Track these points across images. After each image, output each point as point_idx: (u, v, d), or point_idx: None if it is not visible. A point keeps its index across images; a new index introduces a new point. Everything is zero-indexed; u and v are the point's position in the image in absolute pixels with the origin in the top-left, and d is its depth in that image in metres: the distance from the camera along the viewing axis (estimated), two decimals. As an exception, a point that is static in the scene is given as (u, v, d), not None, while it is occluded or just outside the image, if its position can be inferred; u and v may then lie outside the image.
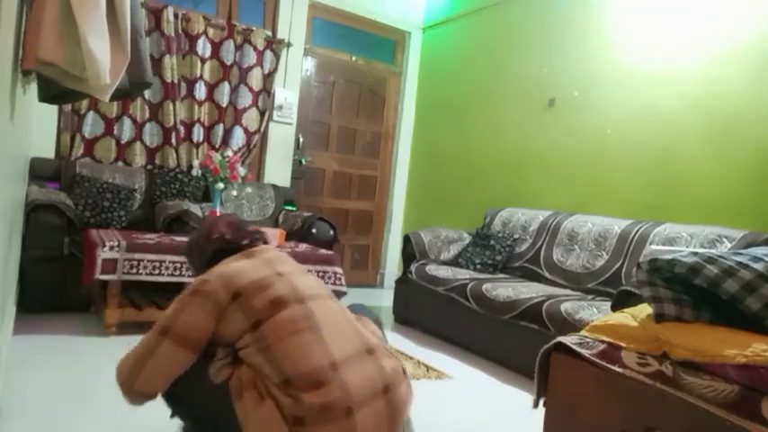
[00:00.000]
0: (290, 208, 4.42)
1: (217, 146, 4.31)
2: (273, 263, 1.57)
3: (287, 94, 4.67)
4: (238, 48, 4.36)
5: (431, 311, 3.54)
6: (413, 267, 3.71)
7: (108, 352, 2.67)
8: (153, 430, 1.93)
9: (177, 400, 1.49)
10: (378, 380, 1.41)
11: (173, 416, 1.57)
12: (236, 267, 1.51)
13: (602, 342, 1.40)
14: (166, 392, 1.46)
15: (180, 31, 4.10)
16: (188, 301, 1.43)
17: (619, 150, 3.50)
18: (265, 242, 1.71)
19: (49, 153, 3.75)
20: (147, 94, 4.02)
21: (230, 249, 1.62)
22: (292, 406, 1.29)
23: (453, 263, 3.78)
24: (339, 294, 3.52)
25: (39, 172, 3.56)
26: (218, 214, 3.34)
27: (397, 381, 1.45)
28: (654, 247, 2.87)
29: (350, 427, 1.31)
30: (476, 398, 2.52)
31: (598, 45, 3.70)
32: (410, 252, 3.86)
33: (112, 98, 1.58)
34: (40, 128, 3.64)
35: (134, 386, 1.42)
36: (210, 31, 4.25)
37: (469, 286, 3.19)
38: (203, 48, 4.21)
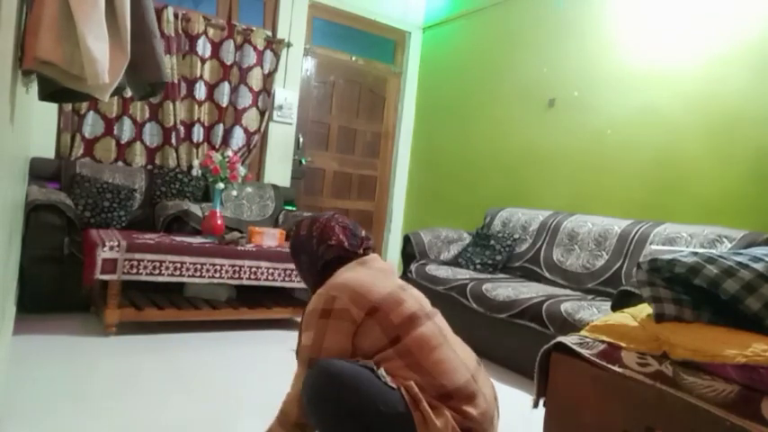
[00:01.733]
0: (290, 208, 4.42)
1: (217, 146, 4.31)
2: (388, 274, 1.56)
3: (287, 94, 4.67)
4: (238, 48, 4.36)
5: (431, 311, 3.53)
6: (413, 267, 3.71)
7: (108, 352, 2.68)
8: (153, 430, 1.93)
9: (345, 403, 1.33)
10: (493, 390, 1.49)
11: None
12: (359, 280, 1.47)
13: (602, 342, 1.40)
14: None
15: (180, 31, 4.11)
16: (323, 324, 1.40)
17: (619, 150, 3.50)
18: (374, 249, 1.69)
19: (49, 153, 3.75)
20: (147, 94, 4.02)
21: (345, 257, 1.57)
22: (460, 420, 1.32)
23: (453, 263, 3.78)
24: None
25: (39, 172, 3.56)
26: (217, 215, 3.34)
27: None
28: (654, 247, 2.87)
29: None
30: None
31: (598, 45, 3.70)
32: (410, 252, 3.86)
33: (140, 98, 1.59)
34: (40, 128, 3.65)
35: (299, 419, 1.42)
36: (210, 31, 4.25)
37: (469, 286, 3.19)
38: (203, 48, 4.22)
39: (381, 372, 1.33)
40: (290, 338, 3.18)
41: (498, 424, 1.47)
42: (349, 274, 1.50)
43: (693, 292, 1.32)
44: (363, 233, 1.65)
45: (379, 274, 1.53)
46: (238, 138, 4.41)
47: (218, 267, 3.07)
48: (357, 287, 1.43)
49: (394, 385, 1.31)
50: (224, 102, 4.33)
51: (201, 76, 4.22)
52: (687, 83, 3.18)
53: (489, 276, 3.46)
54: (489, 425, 1.38)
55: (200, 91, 4.22)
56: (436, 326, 1.47)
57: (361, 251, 1.61)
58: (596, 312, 2.57)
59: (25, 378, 2.20)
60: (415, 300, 1.50)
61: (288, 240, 1.64)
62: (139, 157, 4.05)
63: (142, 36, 1.62)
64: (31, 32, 1.30)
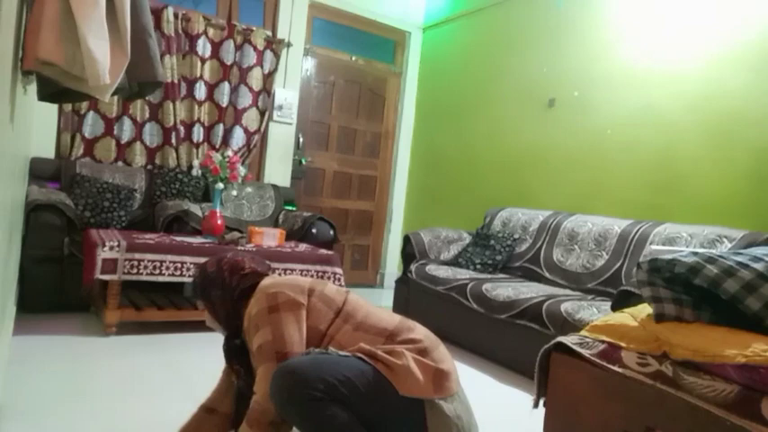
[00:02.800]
0: (290, 208, 4.42)
1: (217, 146, 4.31)
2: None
3: (287, 94, 4.67)
4: (238, 48, 4.36)
5: (431, 311, 3.53)
6: (413, 267, 3.71)
7: (108, 352, 2.68)
8: (153, 430, 1.93)
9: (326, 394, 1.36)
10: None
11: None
12: (282, 278, 1.64)
13: (603, 342, 1.40)
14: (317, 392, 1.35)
15: (180, 31, 4.11)
16: (276, 318, 1.46)
17: (619, 150, 3.50)
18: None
19: (49, 153, 3.75)
20: (147, 94, 4.02)
21: (256, 284, 1.63)
22: (412, 347, 1.43)
23: (453, 263, 3.78)
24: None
25: (39, 172, 3.56)
26: (217, 215, 3.34)
27: None
28: (654, 247, 2.87)
29: (444, 352, 1.50)
30: (475, 398, 2.52)
31: (598, 45, 3.70)
32: (410, 252, 3.85)
33: (126, 98, 1.59)
34: (40, 128, 3.65)
35: (276, 418, 1.43)
36: (210, 31, 4.25)
37: (469, 286, 3.19)
38: (203, 48, 4.21)
39: (331, 349, 1.43)
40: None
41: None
42: (270, 281, 1.60)
43: (693, 292, 1.32)
44: (267, 263, 1.75)
45: (288, 277, 1.67)
46: (238, 138, 4.41)
47: (219, 267, 3.07)
48: (286, 280, 1.59)
49: (348, 354, 1.41)
50: (224, 102, 4.33)
51: (201, 76, 4.22)
52: (687, 83, 3.18)
53: (489, 276, 3.46)
54: (438, 343, 1.51)
55: (200, 91, 4.22)
56: (356, 295, 1.65)
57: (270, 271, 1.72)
58: (596, 312, 2.57)
59: (25, 378, 2.20)
60: (331, 283, 1.67)
61: (201, 279, 1.66)
62: (139, 157, 4.05)
63: (135, 34, 1.62)
64: (32, 33, 1.30)
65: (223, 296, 1.62)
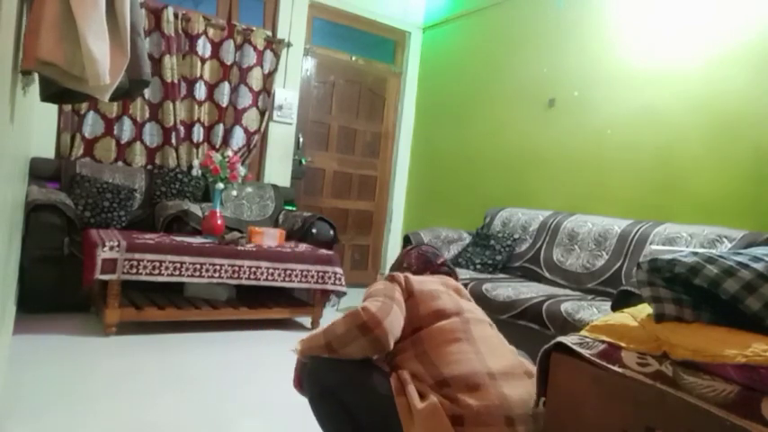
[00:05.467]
0: (290, 208, 4.42)
1: (217, 146, 4.31)
2: (448, 283, 1.66)
3: (287, 94, 4.67)
4: (238, 48, 4.36)
5: (431, 311, 3.53)
6: (413, 267, 3.70)
7: (108, 352, 2.68)
8: (152, 429, 1.93)
9: (335, 394, 1.42)
10: (525, 398, 1.37)
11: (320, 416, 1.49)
12: (417, 277, 1.62)
13: (603, 342, 1.40)
14: (325, 387, 1.42)
15: (180, 31, 4.11)
16: (384, 286, 1.51)
17: (619, 150, 3.50)
18: (451, 272, 1.81)
19: (49, 153, 3.75)
20: (146, 93, 4.02)
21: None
22: (450, 406, 1.28)
23: (453, 263, 3.78)
24: (339, 294, 3.53)
25: (39, 172, 3.56)
26: (217, 215, 3.34)
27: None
28: (654, 247, 2.87)
29: None
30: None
31: (598, 45, 3.70)
32: (410, 252, 3.85)
33: (113, 98, 1.58)
34: (40, 128, 3.65)
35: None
36: (210, 31, 4.25)
37: (469, 286, 3.19)
38: (203, 48, 4.21)
39: (374, 357, 1.41)
40: (290, 338, 3.18)
41: None
42: (419, 278, 1.64)
43: (693, 292, 1.32)
44: (440, 260, 1.82)
45: (436, 280, 1.63)
46: (238, 138, 4.41)
47: (218, 267, 3.07)
48: (411, 277, 1.58)
49: (387, 369, 1.37)
50: (224, 102, 4.33)
51: (201, 76, 4.22)
52: (687, 83, 3.18)
53: (489, 276, 3.46)
54: (501, 422, 1.28)
55: (200, 91, 4.22)
56: (464, 324, 1.48)
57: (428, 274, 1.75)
58: (596, 312, 2.57)
59: (25, 378, 2.20)
60: (454, 302, 1.55)
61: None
62: (139, 157, 4.05)
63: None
64: (32, 33, 1.30)
65: (399, 261, 1.83)
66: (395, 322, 1.40)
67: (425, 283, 1.57)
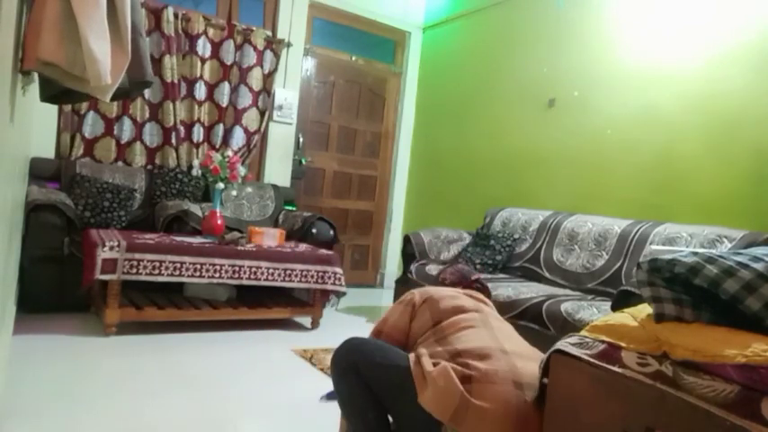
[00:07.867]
0: (290, 208, 4.42)
1: (217, 146, 4.31)
2: (474, 294, 1.80)
3: (287, 94, 4.67)
4: (238, 48, 4.36)
5: (431, 311, 3.53)
6: (413, 267, 3.71)
7: (108, 352, 2.68)
8: (152, 429, 1.93)
9: (355, 370, 1.56)
10: (533, 372, 1.45)
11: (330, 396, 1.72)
12: (440, 288, 1.84)
13: (602, 342, 1.40)
14: (347, 364, 1.56)
15: (180, 31, 4.11)
16: (394, 308, 1.78)
17: (619, 150, 3.50)
18: (483, 289, 1.97)
19: (49, 153, 3.75)
20: (147, 93, 4.02)
21: None
22: (460, 370, 1.39)
23: (453, 263, 3.77)
24: (339, 294, 3.53)
25: (39, 172, 3.56)
26: (217, 215, 3.34)
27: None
28: (654, 247, 2.87)
29: (518, 396, 1.35)
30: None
31: (598, 45, 3.70)
32: (410, 252, 3.85)
33: (113, 98, 1.58)
34: (40, 128, 3.64)
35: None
36: (210, 31, 4.25)
37: (469, 286, 3.19)
38: (203, 48, 4.21)
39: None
40: (290, 338, 3.18)
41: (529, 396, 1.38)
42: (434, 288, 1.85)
43: (693, 292, 1.32)
44: (474, 276, 2.00)
45: (460, 291, 1.79)
46: (238, 138, 4.41)
47: (218, 267, 3.07)
48: (431, 288, 1.79)
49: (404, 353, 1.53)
50: (224, 102, 4.33)
51: (201, 76, 4.22)
52: (687, 83, 3.18)
53: (489, 276, 3.46)
54: (509, 383, 1.36)
55: (200, 91, 4.22)
56: (483, 317, 1.63)
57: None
58: (596, 312, 2.57)
59: (25, 378, 2.20)
60: (475, 304, 1.70)
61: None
62: (139, 157, 4.05)
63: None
64: (33, 33, 1.30)
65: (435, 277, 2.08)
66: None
67: (447, 290, 1.76)
